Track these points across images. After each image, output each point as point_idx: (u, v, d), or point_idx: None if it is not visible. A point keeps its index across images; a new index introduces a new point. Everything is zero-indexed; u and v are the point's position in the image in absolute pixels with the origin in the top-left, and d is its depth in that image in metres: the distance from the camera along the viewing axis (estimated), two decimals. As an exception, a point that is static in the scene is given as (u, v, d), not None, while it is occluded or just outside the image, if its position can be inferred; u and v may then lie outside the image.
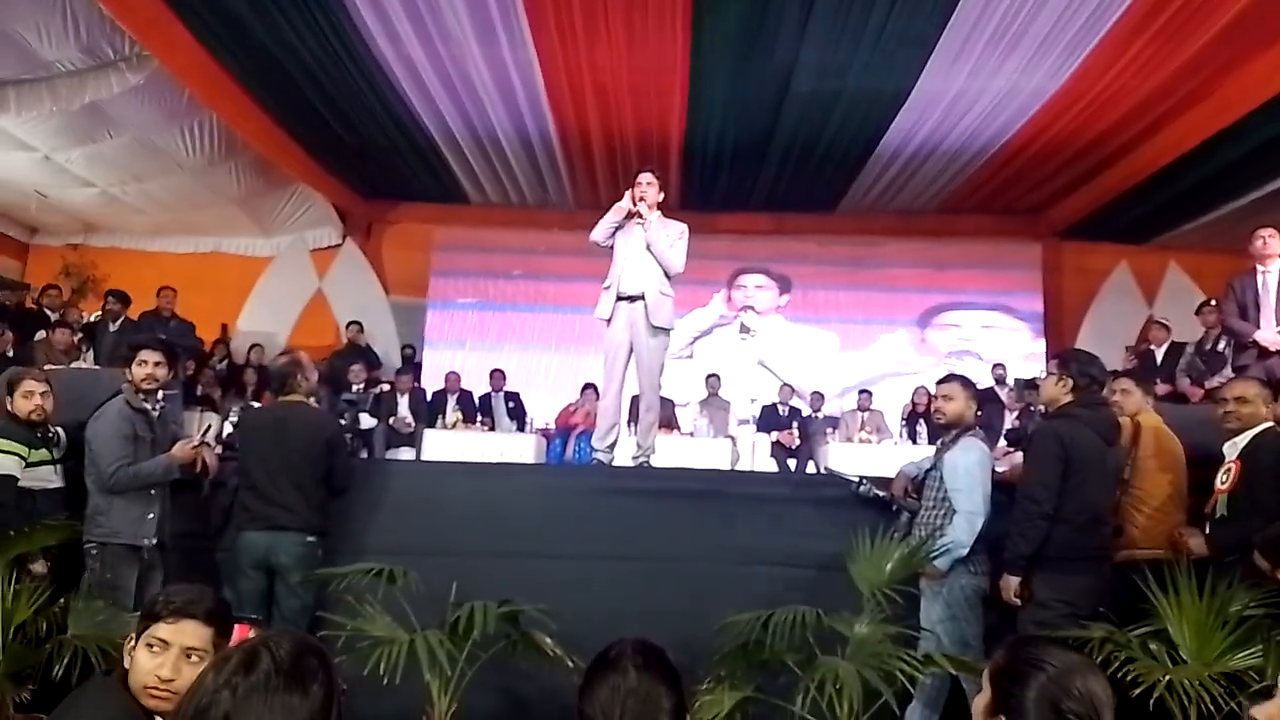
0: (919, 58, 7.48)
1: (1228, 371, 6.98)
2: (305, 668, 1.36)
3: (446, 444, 8.45)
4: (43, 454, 4.12)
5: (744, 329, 11.53)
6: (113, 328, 8.44)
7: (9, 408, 4.09)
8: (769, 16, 6.95)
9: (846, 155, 9.60)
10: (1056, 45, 7.20)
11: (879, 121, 8.75)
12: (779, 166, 9.90)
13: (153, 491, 4.13)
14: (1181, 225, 10.31)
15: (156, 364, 4.21)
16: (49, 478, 4.14)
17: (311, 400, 4.45)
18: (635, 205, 5.16)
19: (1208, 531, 3.81)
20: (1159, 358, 8.09)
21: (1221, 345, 7.31)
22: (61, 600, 3.78)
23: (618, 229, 5.21)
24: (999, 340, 11.28)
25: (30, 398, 4.09)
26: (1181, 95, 7.82)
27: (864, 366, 11.21)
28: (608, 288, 5.25)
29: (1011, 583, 3.67)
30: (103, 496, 4.02)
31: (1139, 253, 11.04)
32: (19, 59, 7.14)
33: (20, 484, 3.99)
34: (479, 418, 9.25)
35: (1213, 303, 7.88)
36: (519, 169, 10.43)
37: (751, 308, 11.60)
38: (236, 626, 2.35)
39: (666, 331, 5.26)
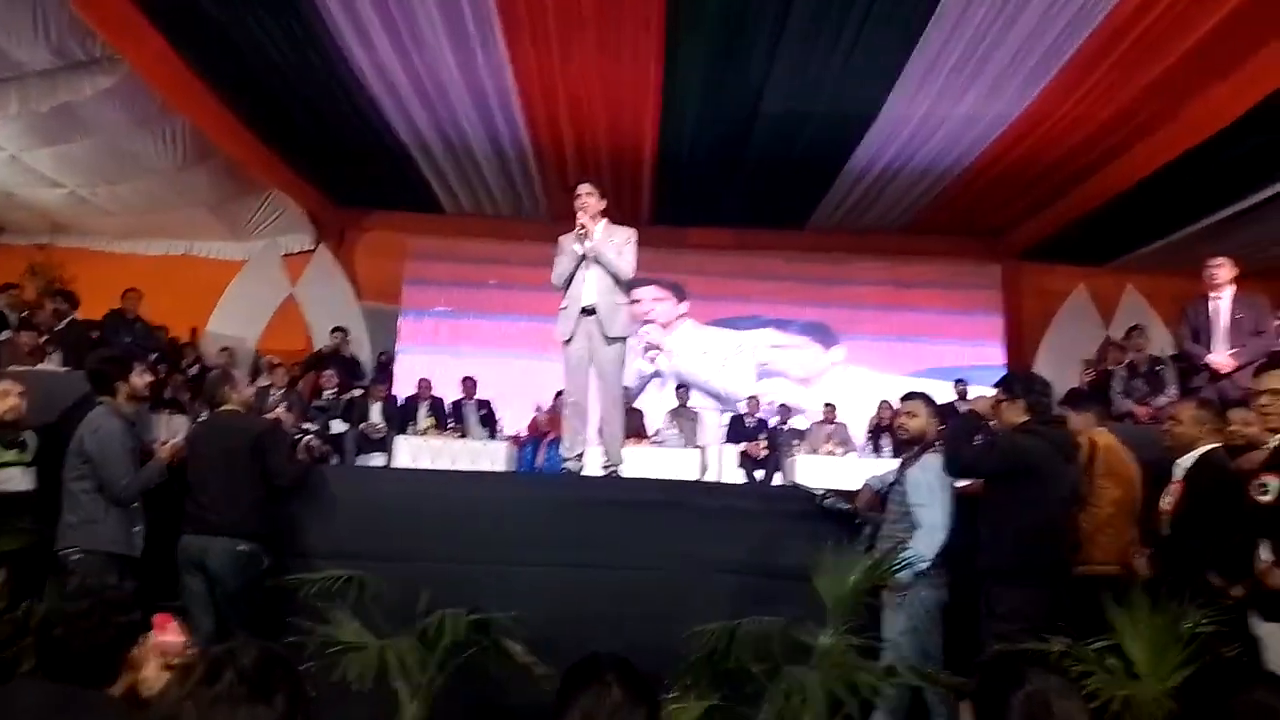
0: (886, 82, 7.66)
1: (1172, 392, 7.19)
2: (270, 677, 1.36)
3: (417, 450, 8.44)
4: (11, 455, 4.11)
5: (649, 348, 11.42)
6: (57, 327, 8.35)
7: None
8: (742, 36, 7.07)
9: (814, 174, 9.76)
10: (1019, 72, 7.40)
11: (846, 142, 8.91)
12: (749, 183, 10.02)
13: (135, 504, 4.16)
14: (1138, 248, 10.58)
15: (144, 374, 4.43)
16: (15, 479, 4.13)
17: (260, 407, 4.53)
18: (581, 234, 5.19)
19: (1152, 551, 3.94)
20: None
21: (1159, 368, 7.53)
22: (24, 605, 3.74)
23: (576, 267, 5.24)
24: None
25: (5, 398, 4.09)
26: (1140, 121, 8.06)
27: (827, 379, 11.39)
28: (565, 308, 5.30)
29: None
30: (98, 506, 4.05)
31: (1097, 274, 11.31)
32: (-12, 59, 7.07)
33: None
34: (450, 424, 9.24)
35: (1140, 327, 8.13)
36: (492, 179, 10.46)
37: (653, 321, 11.53)
38: (156, 615, 2.36)
39: (623, 340, 5.29)
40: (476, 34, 7.29)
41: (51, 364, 7.43)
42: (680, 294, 11.68)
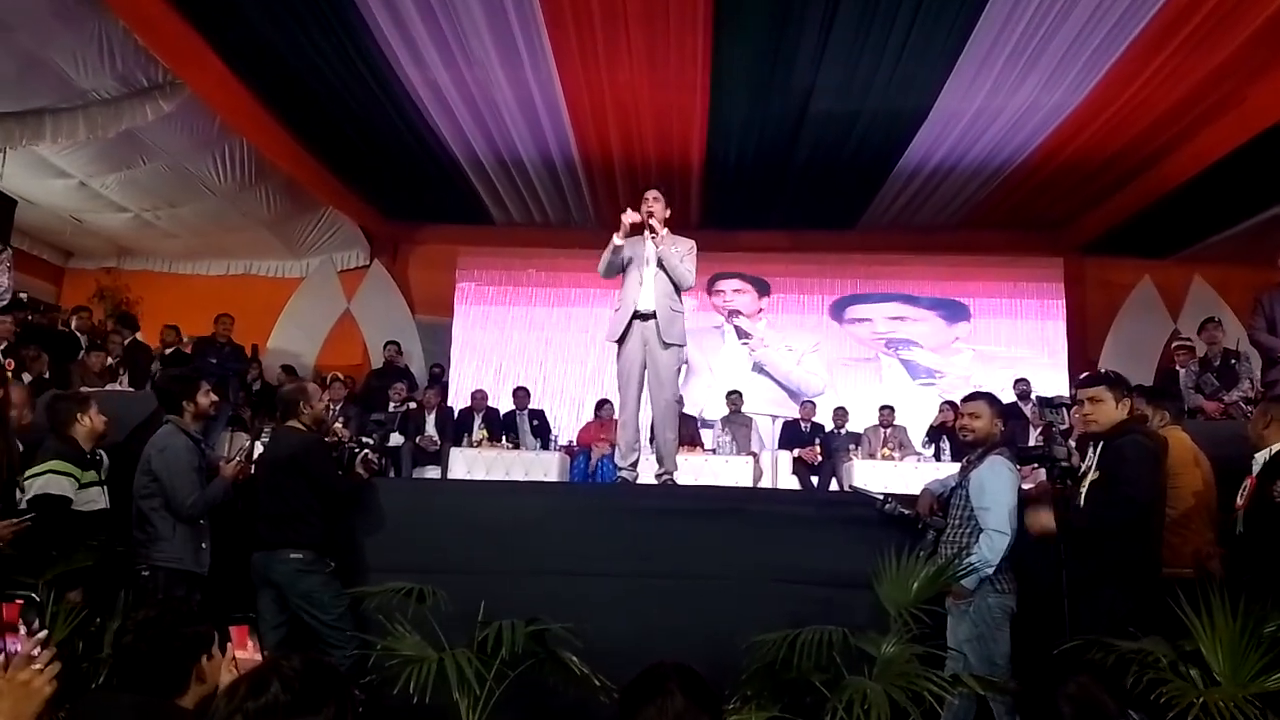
0: (939, 76, 7.52)
1: (1245, 386, 6.91)
2: (315, 687, 1.36)
3: (472, 462, 8.52)
4: (92, 475, 4.27)
5: (741, 334, 11.60)
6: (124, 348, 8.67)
7: (68, 431, 4.22)
8: (788, 37, 7.01)
9: (866, 173, 9.63)
10: (1077, 61, 7.21)
11: (899, 139, 8.77)
12: (799, 185, 9.94)
13: (202, 521, 4.27)
14: (1206, 239, 10.25)
15: (210, 393, 4.53)
16: (97, 499, 4.28)
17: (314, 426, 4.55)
18: (641, 221, 5.24)
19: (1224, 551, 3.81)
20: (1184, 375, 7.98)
21: (1233, 361, 7.24)
22: (98, 620, 3.85)
23: (625, 262, 5.29)
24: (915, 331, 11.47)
25: (96, 421, 4.29)
26: (1204, 108, 7.80)
27: (881, 381, 11.25)
28: (618, 310, 5.31)
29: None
30: (166, 524, 4.17)
31: (1162, 266, 10.97)
32: (56, 88, 7.34)
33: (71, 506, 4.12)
34: (504, 435, 9.31)
35: (1216, 319, 7.82)
36: (542, 189, 10.54)
37: (739, 311, 11.67)
38: (233, 628, 2.39)
39: (680, 346, 5.28)
40: (525, 49, 7.37)
41: (121, 384, 7.66)
42: (763, 288, 11.77)
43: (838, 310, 11.60)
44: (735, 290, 11.75)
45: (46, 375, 7.25)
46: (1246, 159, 8.01)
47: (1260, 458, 3.82)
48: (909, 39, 6.97)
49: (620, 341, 5.29)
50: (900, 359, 11.42)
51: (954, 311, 11.48)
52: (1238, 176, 8.45)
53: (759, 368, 11.48)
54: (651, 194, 5.33)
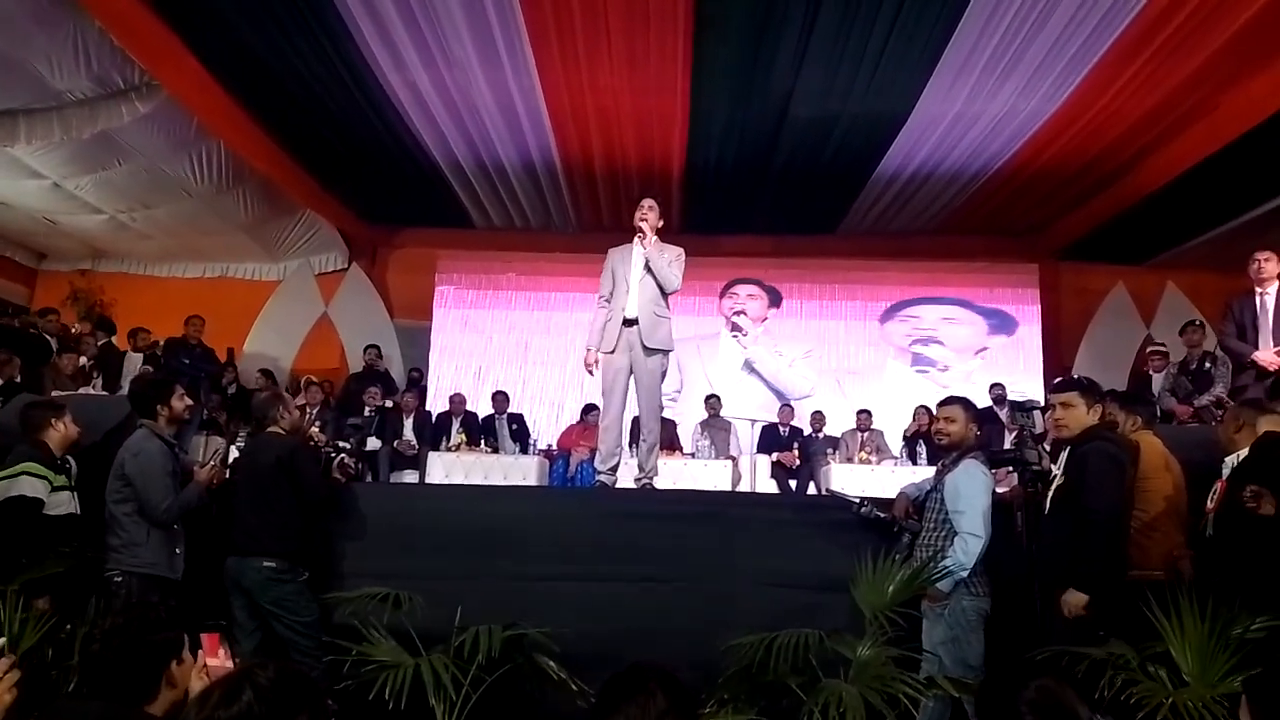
0: (917, 81, 7.58)
1: (1217, 390, 7.00)
2: (288, 696, 1.36)
3: (450, 466, 8.48)
4: (62, 479, 4.24)
5: (735, 329, 11.69)
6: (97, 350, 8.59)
7: (40, 436, 4.18)
8: (768, 42, 7.05)
9: (845, 178, 9.68)
10: (1054, 68, 7.29)
11: (877, 144, 8.83)
12: (779, 189, 9.97)
13: (176, 526, 4.24)
14: (1179, 245, 10.37)
15: (184, 397, 4.47)
16: (65, 503, 4.24)
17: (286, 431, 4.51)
18: (640, 237, 5.32)
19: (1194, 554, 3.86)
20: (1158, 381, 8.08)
21: (1207, 365, 7.33)
22: (68, 626, 3.80)
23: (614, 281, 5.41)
24: (955, 333, 11.53)
25: (70, 429, 4.27)
26: (1178, 116, 7.90)
27: (860, 386, 11.29)
28: (608, 320, 5.35)
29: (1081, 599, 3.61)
30: (139, 529, 4.12)
31: (1136, 273, 11.08)
32: (31, 89, 7.25)
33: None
34: (483, 440, 9.28)
35: (1197, 323, 7.91)
36: (522, 193, 10.52)
37: (744, 312, 11.76)
38: (204, 636, 2.37)
39: (664, 353, 5.34)
40: (506, 53, 7.36)
41: (95, 388, 7.57)
42: (775, 299, 11.82)
43: (892, 310, 11.67)
44: (749, 295, 11.82)
45: (18, 379, 7.16)
46: (1219, 166, 8.12)
47: (1230, 461, 3.89)
48: (888, 44, 7.02)
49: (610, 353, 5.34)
50: (912, 351, 11.51)
51: (1002, 323, 11.51)
52: (1210, 183, 8.56)
53: (749, 366, 11.52)
54: (647, 202, 5.42)
